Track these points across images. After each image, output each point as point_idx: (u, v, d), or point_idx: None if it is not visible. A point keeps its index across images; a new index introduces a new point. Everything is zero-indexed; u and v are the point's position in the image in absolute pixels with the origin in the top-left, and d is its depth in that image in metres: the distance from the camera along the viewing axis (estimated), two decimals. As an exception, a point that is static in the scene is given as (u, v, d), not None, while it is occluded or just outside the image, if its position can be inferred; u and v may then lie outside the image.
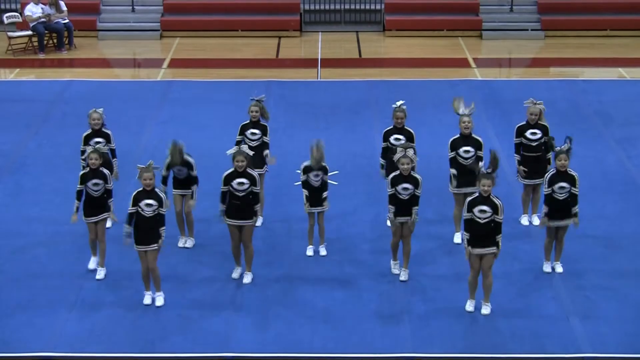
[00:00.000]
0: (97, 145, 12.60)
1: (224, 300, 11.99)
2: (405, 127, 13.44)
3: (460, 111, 13.25)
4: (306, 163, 12.88)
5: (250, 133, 13.83)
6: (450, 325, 11.49)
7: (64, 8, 23.54)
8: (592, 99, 19.58)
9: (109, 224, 12.87)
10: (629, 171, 15.88)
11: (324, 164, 12.83)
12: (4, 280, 12.45)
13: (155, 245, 11.69)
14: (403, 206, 12.14)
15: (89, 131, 13.49)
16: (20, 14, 23.77)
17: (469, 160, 13.25)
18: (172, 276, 12.54)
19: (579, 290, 12.11)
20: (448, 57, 23.14)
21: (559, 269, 12.57)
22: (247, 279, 12.36)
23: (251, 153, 12.15)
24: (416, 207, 12.19)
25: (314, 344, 11.04)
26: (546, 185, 12.21)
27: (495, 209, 11.41)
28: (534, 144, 13.60)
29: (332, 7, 25.57)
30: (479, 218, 11.45)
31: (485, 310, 11.71)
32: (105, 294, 12.02)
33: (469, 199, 11.69)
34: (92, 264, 12.48)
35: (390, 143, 13.35)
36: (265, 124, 13.96)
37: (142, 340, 11.18)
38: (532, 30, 24.90)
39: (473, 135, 13.34)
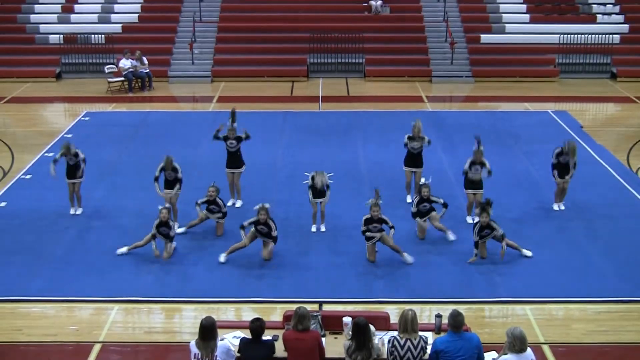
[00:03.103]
0: None
1: (254, 260, 12.03)
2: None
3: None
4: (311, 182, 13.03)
5: (230, 142, 14.03)
6: (409, 279, 11.54)
7: (146, 62, 23.56)
8: (506, 124, 19.60)
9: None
10: (532, 174, 15.91)
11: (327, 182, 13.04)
12: (105, 248, 12.50)
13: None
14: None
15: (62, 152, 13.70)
16: (116, 65, 23.80)
17: (416, 150, 14.00)
18: (227, 237, 12.70)
19: (498, 253, 12.11)
20: (408, 95, 23.09)
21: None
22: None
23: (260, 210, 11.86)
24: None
25: (318, 292, 11.10)
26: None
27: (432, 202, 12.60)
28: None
29: (329, 60, 25.54)
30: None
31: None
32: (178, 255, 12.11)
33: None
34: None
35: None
36: (241, 135, 14.20)
37: (196, 288, 11.25)
38: (465, 77, 24.87)
39: (420, 135, 13.97)
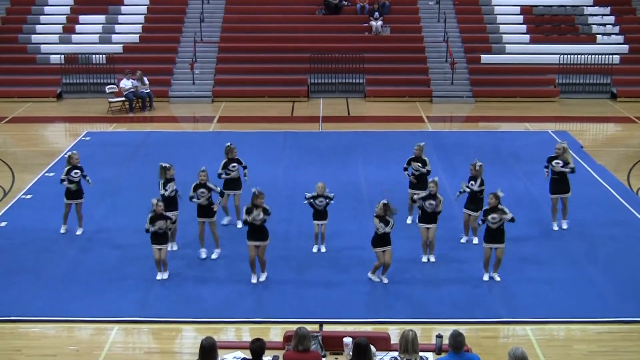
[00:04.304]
0: None
1: (257, 283, 12.07)
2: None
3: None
4: (313, 193, 13.04)
5: (231, 166, 14.06)
6: (409, 299, 11.55)
7: (147, 82, 23.72)
8: (507, 144, 19.69)
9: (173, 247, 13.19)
10: (532, 193, 15.96)
11: (327, 193, 13.04)
12: (105, 268, 12.54)
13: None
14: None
15: (69, 166, 13.69)
16: (117, 86, 23.94)
17: (418, 171, 13.93)
18: (227, 256, 12.72)
19: (498, 274, 12.16)
20: (409, 115, 23.22)
21: (497, 278, 12.04)
22: (263, 277, 12.12)
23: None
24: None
25: (318, 312, 11.10)
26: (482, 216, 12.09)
27: (439, 201, 12.46)
28: (557, 169, 13.77)
29: (329, 80, 25.69)
30: (429, 206, 12.48)
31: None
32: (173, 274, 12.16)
33: (423, 194, 12.61)
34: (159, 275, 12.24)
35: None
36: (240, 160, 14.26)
37: (196, 308, 11.27)
38: (466, 97, 25.00)
39: (422, 157, 14.01)
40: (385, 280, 11.95)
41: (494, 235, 11.85)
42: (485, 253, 12.04)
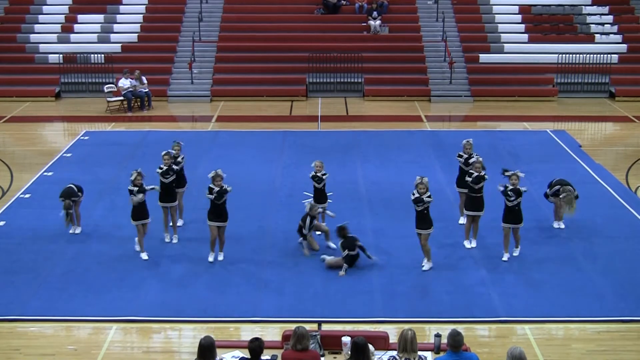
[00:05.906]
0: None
1: (253, 279, 12.04)
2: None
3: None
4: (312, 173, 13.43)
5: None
6: (408, 298, 11.54)
7: (145, 81, 23.68)
8: (505, 143, 19.66)
9: None
10: (531, 194, 15.88)
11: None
12: (104, 268, 12.52)
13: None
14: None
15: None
16: (115, 85, 23.91)
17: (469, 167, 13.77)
18: (226, 256, 12.68)
19: (496, 273, 12.18)
20: (407, 114, 23.18)
21: (516, 252, 12.78)
22: (221, 257, 12.63)
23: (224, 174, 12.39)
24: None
25: (317, 311, 11.07)
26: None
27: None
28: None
29: (328, 80, 25.67)
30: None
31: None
32: (175, 272, 12.14)
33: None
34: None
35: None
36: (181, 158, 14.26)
37: (195, 308, 11.25)
38: (464, 96, 24.96)
39: (473, 154, 13.99)
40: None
41: (513, 213, 12.47)
42: (504, 232, 12.61)
